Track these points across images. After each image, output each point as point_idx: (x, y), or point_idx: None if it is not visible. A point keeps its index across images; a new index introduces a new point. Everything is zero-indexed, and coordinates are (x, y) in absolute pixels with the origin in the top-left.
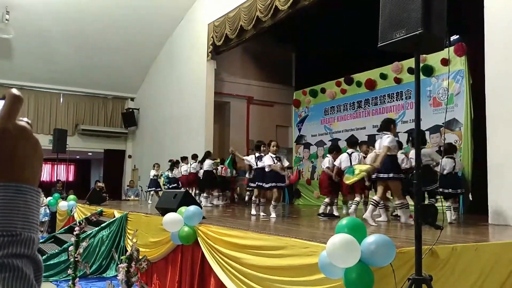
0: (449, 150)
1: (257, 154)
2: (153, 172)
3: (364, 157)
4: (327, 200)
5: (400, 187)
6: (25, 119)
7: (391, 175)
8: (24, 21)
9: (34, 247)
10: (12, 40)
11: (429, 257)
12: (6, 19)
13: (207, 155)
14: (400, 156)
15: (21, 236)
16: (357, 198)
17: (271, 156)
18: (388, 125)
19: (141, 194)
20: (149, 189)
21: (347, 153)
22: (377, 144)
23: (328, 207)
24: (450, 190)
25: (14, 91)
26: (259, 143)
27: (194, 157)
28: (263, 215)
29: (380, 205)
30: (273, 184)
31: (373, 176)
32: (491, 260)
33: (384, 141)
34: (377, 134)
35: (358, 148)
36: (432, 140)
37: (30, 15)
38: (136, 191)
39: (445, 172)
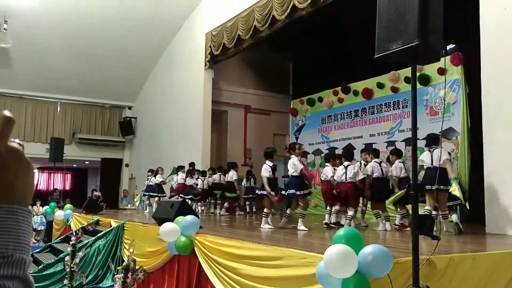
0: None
1: (270, 163)
2: (159, 177)
3: (365, 165)
4: (337, 207)
5: (446, 199)
6: (17, 140)
7: (441, 187)
8: (22, 30)
9: (26, 268)
10: (10, 49)
11: (427, 267)
12: (4, 29)
13: (233, 165)
14: (398, 164)
15: (13, 258)
16: (350, 212)
17: (300, 160)
18: (437, 140)
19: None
20: (153, 195)
21: (343, 165)
22: (426, 158)
23: (333, 216)
24: (427, 187)
25: (6, 112)
26: (269, 149)
27: (192, 165)
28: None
29: (377, 215)
30: (306, 191)
31: (429, 187)
32: (489, 270)
33: (443, 155)
34: (374, 143)
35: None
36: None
37: (28, 24)
38: (130, 200)
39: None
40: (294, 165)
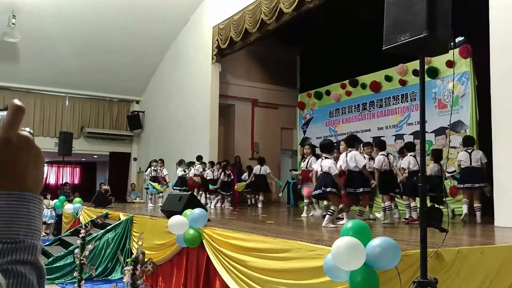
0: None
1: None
2: (180, 170)
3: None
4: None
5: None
6: (27, 129)
7: (476, 185)
8: (30, 25)
9: (37, 254)
10: (18, 43)
11: (434, 260)
12: (13, 23)
13: (263, 161)
14: (409, 158)
15: (24, 243)
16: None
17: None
18: (473, 141)
19: (147, 197)
20: (175, 188)
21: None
22: (464, 158)
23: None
24: (467, 185)
25: (16, 101)
26: (326, 141)
27: (199, 158)
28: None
29: (387, 207)
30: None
31: (468, 185)
32: (497, 263)
33: (483, 157)
34: (382, 136)
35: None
36: (438, 142)
37: (36, 19)
38: (138, 194)
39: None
40: (357, 160)
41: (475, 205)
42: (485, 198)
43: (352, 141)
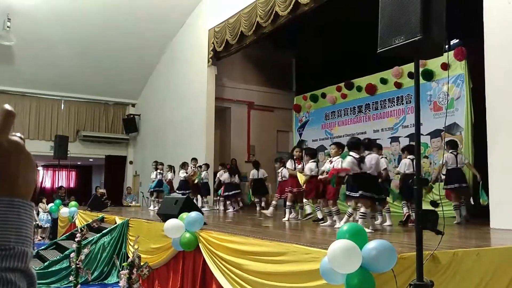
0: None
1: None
2: (182, 173)
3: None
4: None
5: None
6: (18, 134)
7: (463, 185)
8: (26, 28)
9: (28, 261)
10: (14, 46)
11: (430, 262)
12: (8, 26)
13: (259, 164)
14: (405, 161)
15: (15, 250)
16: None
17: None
18: (457, 144)
19: (143, 200)
20: (179, 192)
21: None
22: (452, 160)
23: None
24: (455, 185)
25: (7, 106)
26: (354, 139)
27: (193, 160)
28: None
29: (384, 209)
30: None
31: (457, 185)
32: (493, 265)
33: (465, 160)
34: (378, 139)
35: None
36: (433, 145)
37: (32, 22)
38: (134, 197)
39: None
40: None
41: (461, 200)
42: (479, 200)
43: (370, 145)
